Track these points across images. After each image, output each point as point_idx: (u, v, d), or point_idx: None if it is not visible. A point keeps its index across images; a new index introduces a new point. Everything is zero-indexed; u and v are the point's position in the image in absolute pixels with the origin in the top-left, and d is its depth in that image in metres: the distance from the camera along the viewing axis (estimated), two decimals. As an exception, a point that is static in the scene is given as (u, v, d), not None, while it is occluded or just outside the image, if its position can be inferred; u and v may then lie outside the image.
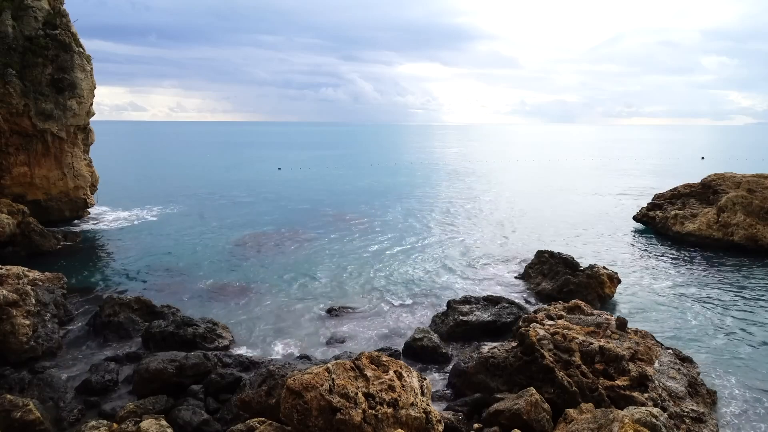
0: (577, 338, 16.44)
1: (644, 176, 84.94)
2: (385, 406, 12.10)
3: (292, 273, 30.58)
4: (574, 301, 20.42)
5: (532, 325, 17.41)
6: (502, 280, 29.75)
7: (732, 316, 24.15)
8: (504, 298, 24.28)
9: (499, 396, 15.45)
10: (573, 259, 28.10)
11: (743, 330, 22.70)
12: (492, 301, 23.82)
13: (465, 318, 21.97)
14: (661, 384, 15.38)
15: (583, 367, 15.47)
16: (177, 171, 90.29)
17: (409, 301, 26.46)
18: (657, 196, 45.24)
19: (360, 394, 12.12)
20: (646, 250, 36.51)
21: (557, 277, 26.95)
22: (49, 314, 21.05)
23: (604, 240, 39.70)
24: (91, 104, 42.38)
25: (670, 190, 44.50)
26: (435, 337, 20.63)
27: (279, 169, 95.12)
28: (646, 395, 14.66)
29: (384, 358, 13.55)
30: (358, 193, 64.83)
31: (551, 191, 66.50)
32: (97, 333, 21.63)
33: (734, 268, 31.62)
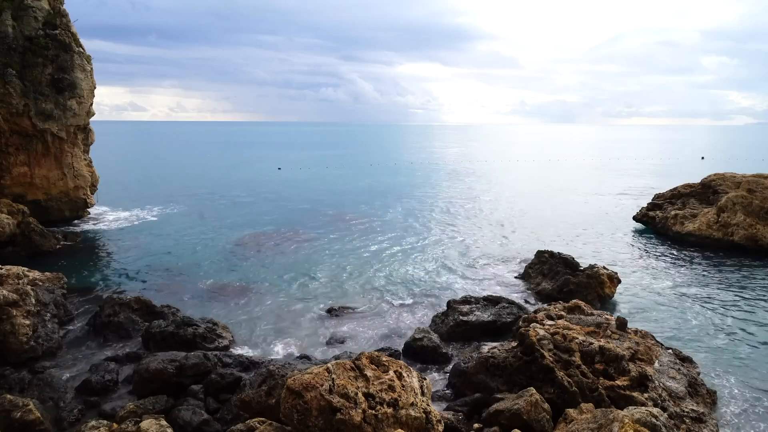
0: (577, 338, 16.44)
1: (644, 176, 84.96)
2: (385, 406, 12.10)
3: (292, 273, 30.58)
4: (574, 301, 20.42)
5: (532, 325, 17.41)
6: (502, 280, 29.75)
7: (732, 316, 24.15)
8: (504, 298, 24.29)
9: (499, 396, 15.45)
10: (573, 259, 28.12)
11: (743, 330, 22.70)
12: (492, 301, 23.82)
13: (465, 318, 21.97)
14: (661, 384, 15.38)
15: (583, 367, 15.47)
16: (177, 171, 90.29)
17: (409, 301, 26.47)
18: (657, 196, 45.23)
19: (360, 394, 12.12)
20: (646, 250, 36.51)
21: (557, 277, 26.95)
22: (49, 314, 21.05)
23: (604, 240, 39.70)
24: (91, 104, 42.39)
25: (670, 190, 44.49)
26: (435, 337, 20.64)
27: (279, 169, 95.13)
28: (646, 395, 14.65)
29: (384, 358, 13.55)
30: (358, 193, 64.83)
31: (551, 191, 66.50)
32: (97, 333, 21.64)
33: (734, 268, 31.62)
